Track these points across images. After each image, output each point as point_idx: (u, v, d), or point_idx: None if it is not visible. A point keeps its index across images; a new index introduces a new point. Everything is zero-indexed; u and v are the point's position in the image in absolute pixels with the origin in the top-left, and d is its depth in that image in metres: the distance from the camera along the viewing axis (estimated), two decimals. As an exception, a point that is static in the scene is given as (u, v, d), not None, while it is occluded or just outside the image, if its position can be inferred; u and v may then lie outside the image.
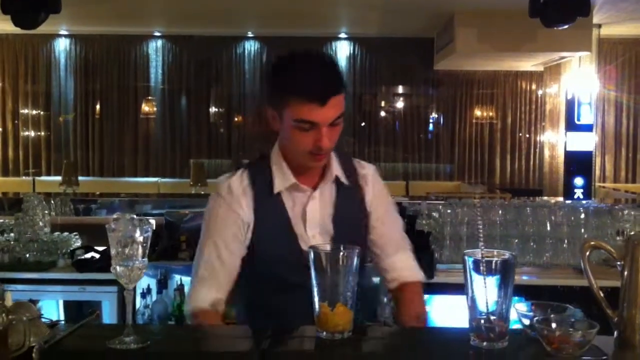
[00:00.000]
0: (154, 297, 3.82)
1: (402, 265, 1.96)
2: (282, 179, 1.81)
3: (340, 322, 1.40)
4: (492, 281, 1.32)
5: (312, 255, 1.42)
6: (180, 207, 4.94)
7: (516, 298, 1.43)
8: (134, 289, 3.01)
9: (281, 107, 1.71)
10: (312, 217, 1.82)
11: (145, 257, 1.34)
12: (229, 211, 1.80)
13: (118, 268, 1.34)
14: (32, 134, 10.36)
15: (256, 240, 1.81)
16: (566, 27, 5.85)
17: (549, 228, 3.73)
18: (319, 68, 1.72)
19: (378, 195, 1.94)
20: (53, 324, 1.47)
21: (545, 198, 7.61)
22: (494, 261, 1.34)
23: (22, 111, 10.28)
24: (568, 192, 8.33)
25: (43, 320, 1.44)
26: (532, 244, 3.71)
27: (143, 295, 3.77)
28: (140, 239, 1.31)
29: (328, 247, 1.46)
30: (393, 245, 1.96)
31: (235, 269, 1.82)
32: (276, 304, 1.82)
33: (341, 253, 1.42)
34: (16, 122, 10.29)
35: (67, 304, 3.98)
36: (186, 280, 3.83)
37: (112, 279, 3.77)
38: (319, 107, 1.65)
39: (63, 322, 1.54)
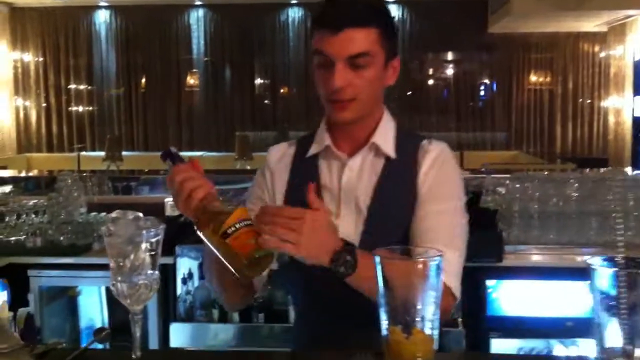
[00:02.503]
0: (196, 283, 3.52)
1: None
2: (318, 142, 1.57)
3: (419, 353, 1.04)
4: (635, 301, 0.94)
5: (377, 261, 1.07)
6: (224, 183, 4.69)
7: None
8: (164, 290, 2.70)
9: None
10: (348, 192, 1.51)
11: (156, 269, 1.00)
12: (259, 176, 1.65)
13: (119, 285, 0.99)
14: (75, 108, 10.23)
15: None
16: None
17: (632, 203, 3.34)
18: None
19: (435, 174, 1.53)
20: (49, 349, 1.16)
21: (612, 168, 7.12)
22: (636, 272, 0.96)
23: (64, 85, 10.14)
24: (636, 160, 7.83)
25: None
26: (611, 222, 3.32)
27: (184, 281, 3.48)
28: (147, 245, 0.96)
29: (399, 251, 1.09)
30: (433, 239, 1.42)
31: None
32: (304, 302, 1.59)
33: (420, 259, 1.06)
34: (59, 96, 10.16)
35: (109, 291, 3.72)
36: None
37: (151, 263, 3.56)
38: (332, 36, 1.43)
39: (64, 343, 1.22)
